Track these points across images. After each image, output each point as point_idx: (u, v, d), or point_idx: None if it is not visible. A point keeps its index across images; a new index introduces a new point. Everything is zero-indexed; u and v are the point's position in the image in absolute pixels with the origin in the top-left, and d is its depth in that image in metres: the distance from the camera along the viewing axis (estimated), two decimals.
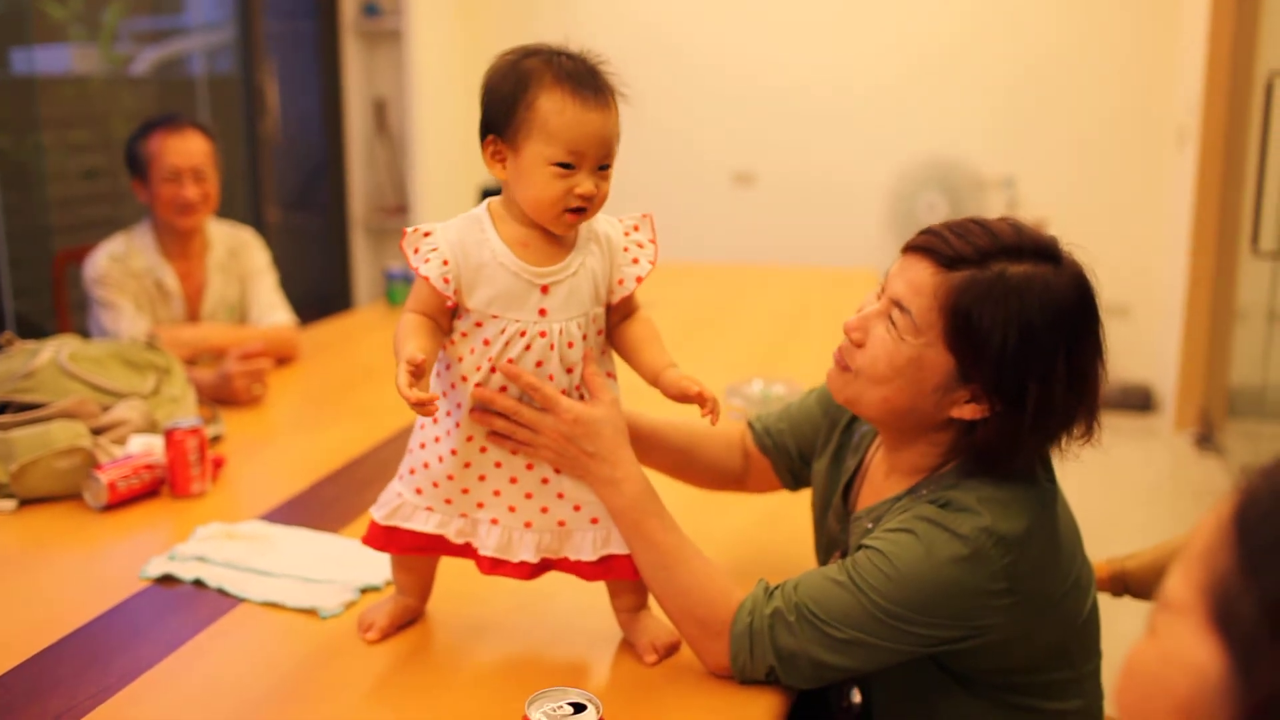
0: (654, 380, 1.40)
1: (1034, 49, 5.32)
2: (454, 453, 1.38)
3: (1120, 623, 2.88)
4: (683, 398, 1.37)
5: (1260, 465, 0.65)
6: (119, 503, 1.92)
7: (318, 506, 1.95)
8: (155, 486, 1.97)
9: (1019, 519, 1.26)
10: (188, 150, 2.75)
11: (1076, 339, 1.27)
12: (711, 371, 2.36)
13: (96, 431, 2.07)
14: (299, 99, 5.61)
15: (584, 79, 1.30)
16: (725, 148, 5.72)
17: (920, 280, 1.29)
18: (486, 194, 4.36)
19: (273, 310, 2.95)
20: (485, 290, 1.33)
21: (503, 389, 1.36)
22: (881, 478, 1.44)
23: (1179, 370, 4.92)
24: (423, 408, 1.26)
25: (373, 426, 2.36)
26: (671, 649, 1.42)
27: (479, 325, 1.35)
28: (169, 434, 1.95)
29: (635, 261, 1.41)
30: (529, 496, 1.39)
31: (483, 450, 1.39)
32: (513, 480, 1.39)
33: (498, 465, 1.39)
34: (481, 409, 1.36)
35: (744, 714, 1.30)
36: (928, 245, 1.30)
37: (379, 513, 1.43)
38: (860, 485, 1.50)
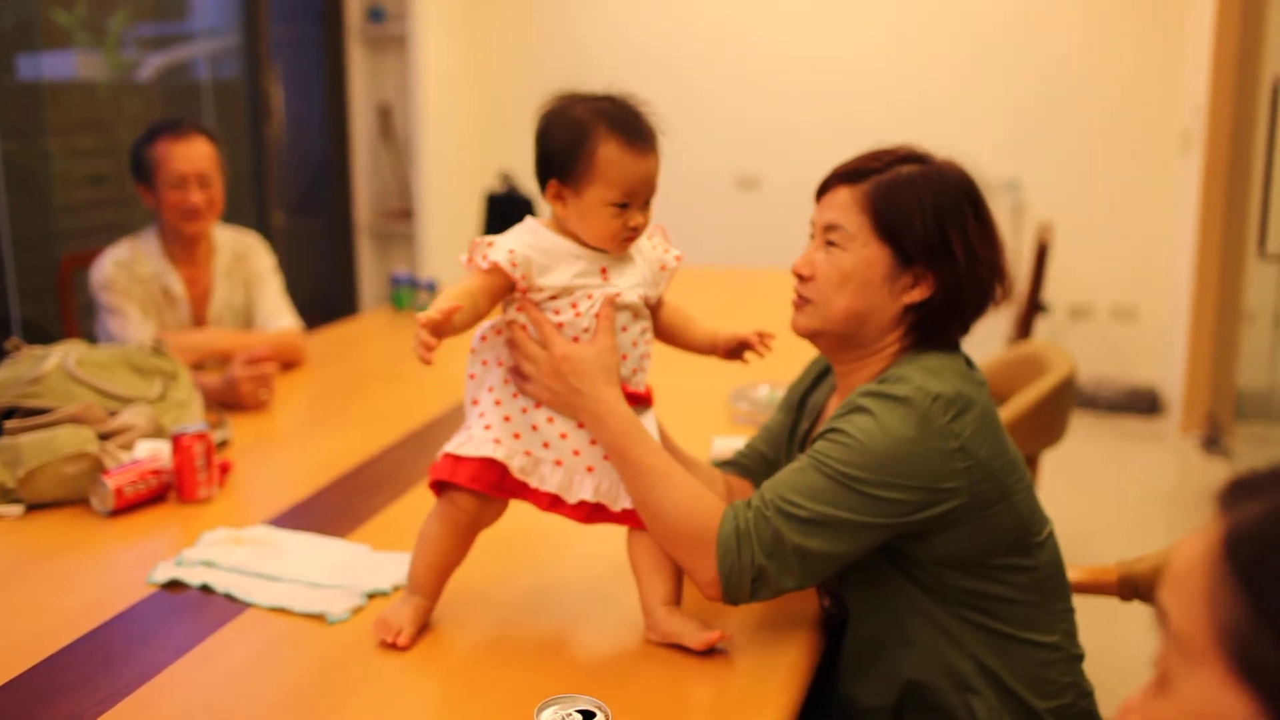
0: (712, 343, 1.66)
1: (1040, 53, 5.31)
2: (498, 403, 1.50)
3: (1129, 621, 2.88)
4: (742, 344, 1.66)
5: (1243, 485, 0.64)
6: (126, 508, 1.92)
7: (325, 511, 1.95)
8: (162, 492, 1.97)
9: (950, 382, 1.42)
10: (193, 155, 2.75)
11: (975, 201, 1.49)
12: (717, 376, 2.36)
13: (103, 437, 2.07)
14: (304, 104, 5.62)
15: (633, 129, 1.47)
16: (728, 152, 5.72)
17: (840, 200, 1.50)
18: (491, 199, 4.37)
19: (278, 315, 2.95)
20: (558, 272, 1.47)
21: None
22: (836, 402, 1.59)
23: (1186, 373, 4.91)
24: (425, 347, 1.36)
25: (379, 431, 2.36)
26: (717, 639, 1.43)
27: (553, 298, 1.48)
28: (176, 439, 1.95)
29: (666, 252, 1.59)
30: (592, 443, 1.48)
31: (523, 411, 1.49)
32: (579, 426, 1.48)
33: (549, 420, 1.48)
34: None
35: (755, 718, 1.30)
36: (834, 175, 1.52)
37: (449, 445, 1.48)
38: (817, 429, 1.60)
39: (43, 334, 3.68)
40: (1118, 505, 4.18)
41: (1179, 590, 0.65)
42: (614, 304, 1.48)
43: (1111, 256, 5.28)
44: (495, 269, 1.44)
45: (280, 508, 1.95)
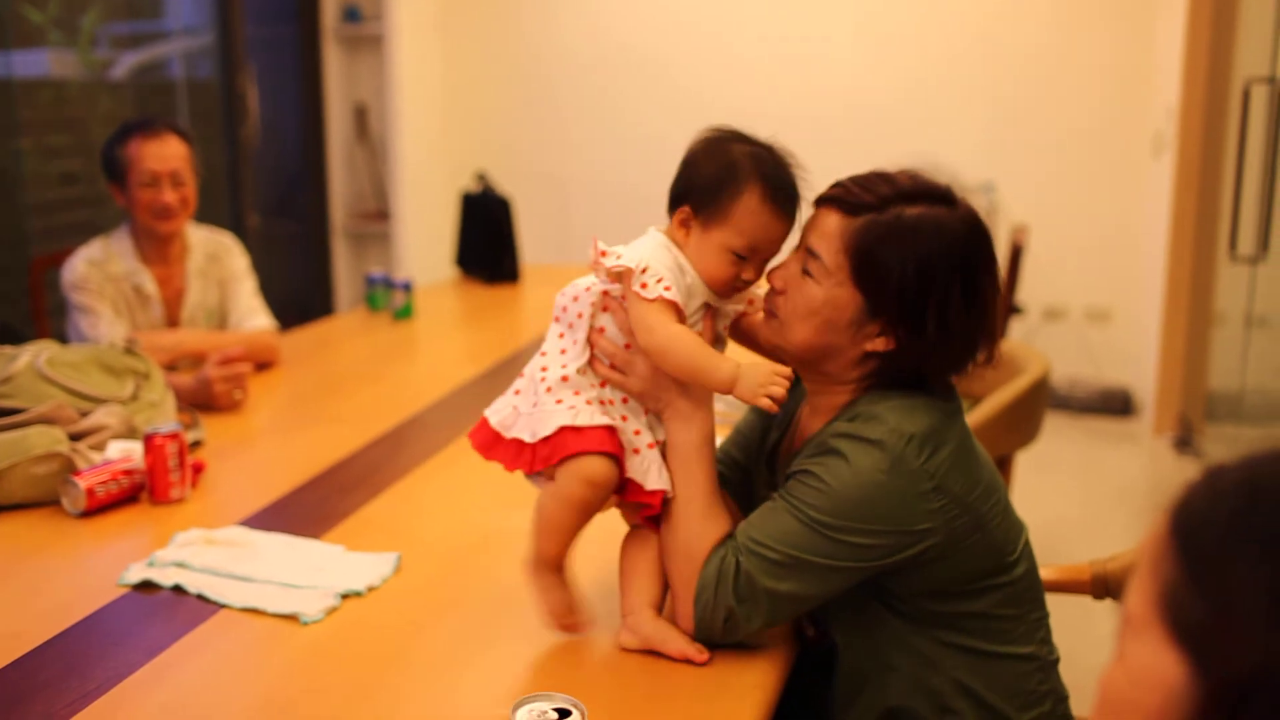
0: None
1: (1015, 58, 5.34)
2: (576, 393, 1.45)
3: (1100, 624, 2.89)
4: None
5: (1191, 480, 0.67)
6: (97, 509, 1.91)
7: (298, 512, 1.94)
8: (134, 492, 1.96)
9: (924, 418, 1.38)
10: (165, 154, 2.73)
11: (970, 270, 1.39)
12: None
13: (75, 437, 2.05)
14: (279, 104, 5.59)
15: (783, 188, 1.44)
16: None
17: (828, 227, 1.41)
18: (468, 200, 4.36)
19: (253, 315, 2.93)
20: (690, 303, 1.46)
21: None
22: (805, 420, 1.54)
23: (1158, 374, 4.95)
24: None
25: (354, 432, 2.35)
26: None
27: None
28: (148, 439, 1.94)
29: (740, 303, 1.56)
30: (650, 446, 1.46)
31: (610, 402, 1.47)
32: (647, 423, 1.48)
33: (624, 418, 1.46)
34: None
35: (731, 716, 1.30)
36: (834, 196, 1.43)
37: (564, 418, 1.42)
38: (788, 445, 1.58)
39: (14, 334, 3.64)
40: (1091, 505, 4.21)
41: (1134, 573, 0.68)
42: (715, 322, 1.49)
43: (1085, 258, 5.31)
44: (671, 305, 1.41)
45: (254, 508, 1.94)
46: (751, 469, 1.66)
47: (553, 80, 5.90)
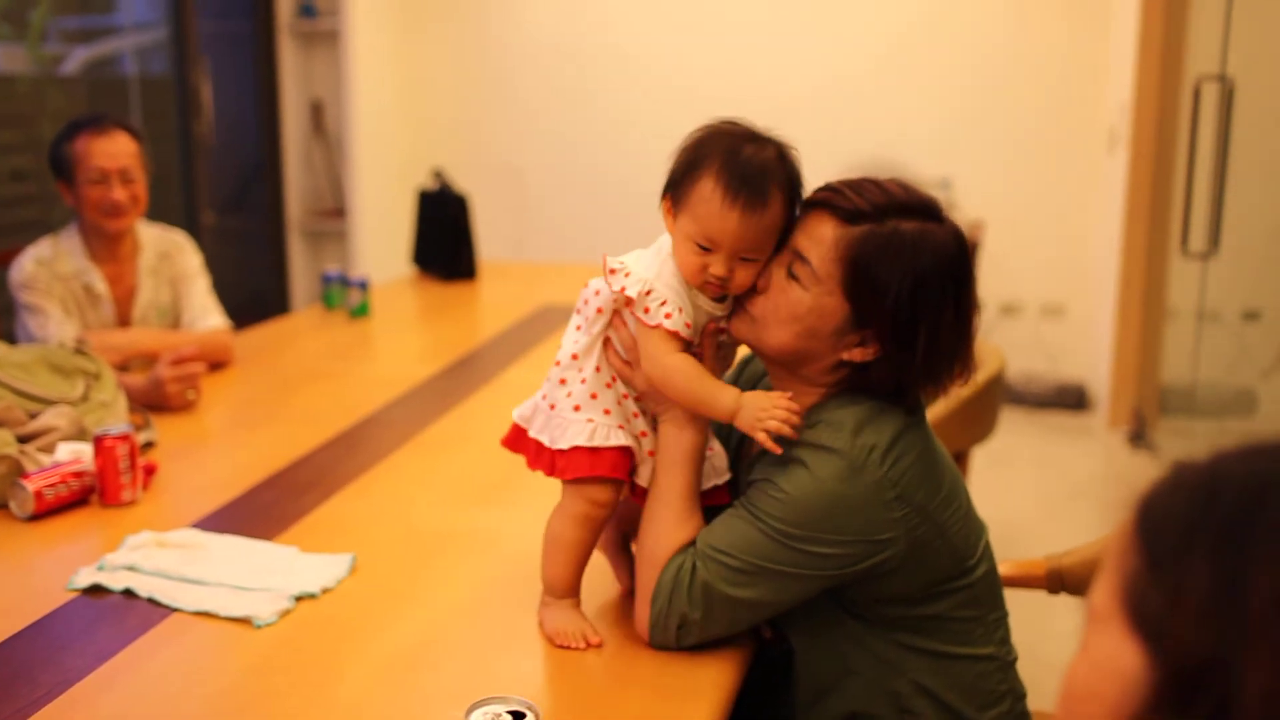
0: None
1: (970, 54, 5.37)
2: (594, 396, 1.45)
3: (1058, 620, 2.92)
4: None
5: (1159, 474, 0.69)
6: (46, 512, 1.88)
7: (252, 513, 1.92)
8: (84, 495, 1.93)
9: (887, 427, 1.37)
10: (114, 151, 2.69)
11: (960, 289, 1.38)
12: None
13: (23, 439, 2.02)
14: (234, 100, 5.53)
15: (746, 180, 1.36)
16: (667, 148, 5.70)
17: (821, 233, 1.38)
18: (424, 197, 4.33)
19: (206, 314, 2.90)
20: (696, 318, 1.44)
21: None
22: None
23: (1112, 369, 5.00)
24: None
25: (309, 431, 2.33)
26: None
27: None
28: (98, 441, 1.91)
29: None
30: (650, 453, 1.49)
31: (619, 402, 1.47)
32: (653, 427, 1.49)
33: (636, 415, 1.48)
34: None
35: (687, 718, 1.30)
36: (828, 200, 1.39)
37: (579, 438, 1.43)
38: (752, 444, 1.56)
39: None
40: (1046, 499, 4.24)
41: (1101, 566, 0.69)
42: (714, 335, 1.47)
43: (1040, 254, 5.36)
44: (672, 334, 1.40)
45: (206, 510, 1.91)
46: (718, 432, 1.63)
47: (510, 76, 5.88)
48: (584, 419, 1.44)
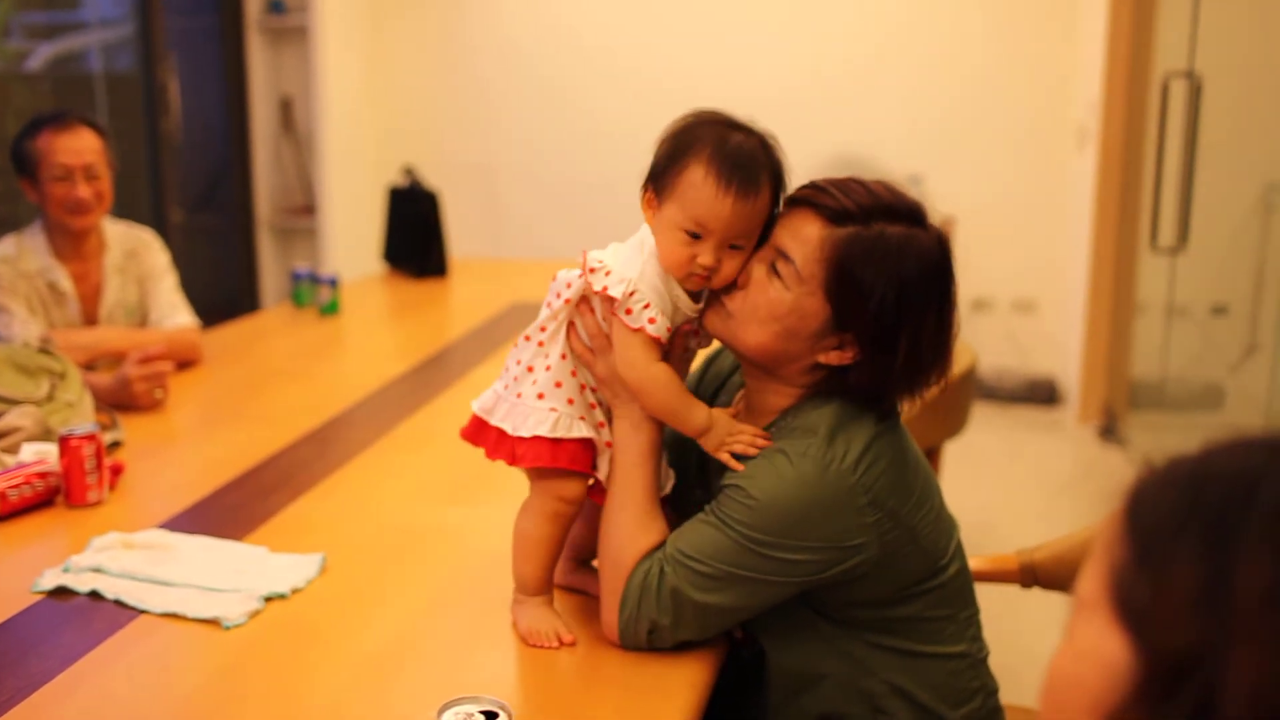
0: None
1: (940, 52, 5.38)
2: (558, 385, 1.43)
3: (1030, 614, 2.94)
4: None
5: (1147, 466, 0.69)
6: (11, 513, 1.85)
7: (220, 513, 1.90)
8: (49, 496, 1.90)
9: (860, 433, 1.36)
10: (78, 148, 2.66)
11: (943, 295, 1.37)
12: None
13: None
14: (202, 97, 5.48)
15: (739, 165, 1.34)
16: (637, 143, 5.68)
17: (806, 232, 1.35)
18: (395, 194, 4.30)
19: (174, 312, 2.87)
20: (675, 317, 1.43)
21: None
22: (741, 418, 1.49)
23: (1083, 364, 5.03)
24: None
25: (278, 430, 2.31)
26: None
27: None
28: (63, 441, 1.88)
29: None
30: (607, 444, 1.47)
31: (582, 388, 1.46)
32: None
33: (594, 406, 1.46)
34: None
35: (659, 718, 1.29)
36: (813, 199, 1.37)
37: (541, 428, 1.41)
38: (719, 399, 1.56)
39: None
40: (1018, 494, 4.26)
41: (1089, 557, 0.69)
42: (685, 338, 1.46)
43: (1011, 250, 5.38)
44: (655, 341, 1.38)
45: (174, 510, 1.89)
46: (686, 460, 1.61)
47: (480, 72, 5.85)
48: (547, 407, 1.42)
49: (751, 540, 1.33)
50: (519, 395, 1.44)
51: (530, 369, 1.44)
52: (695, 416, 1.39)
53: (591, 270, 1.39)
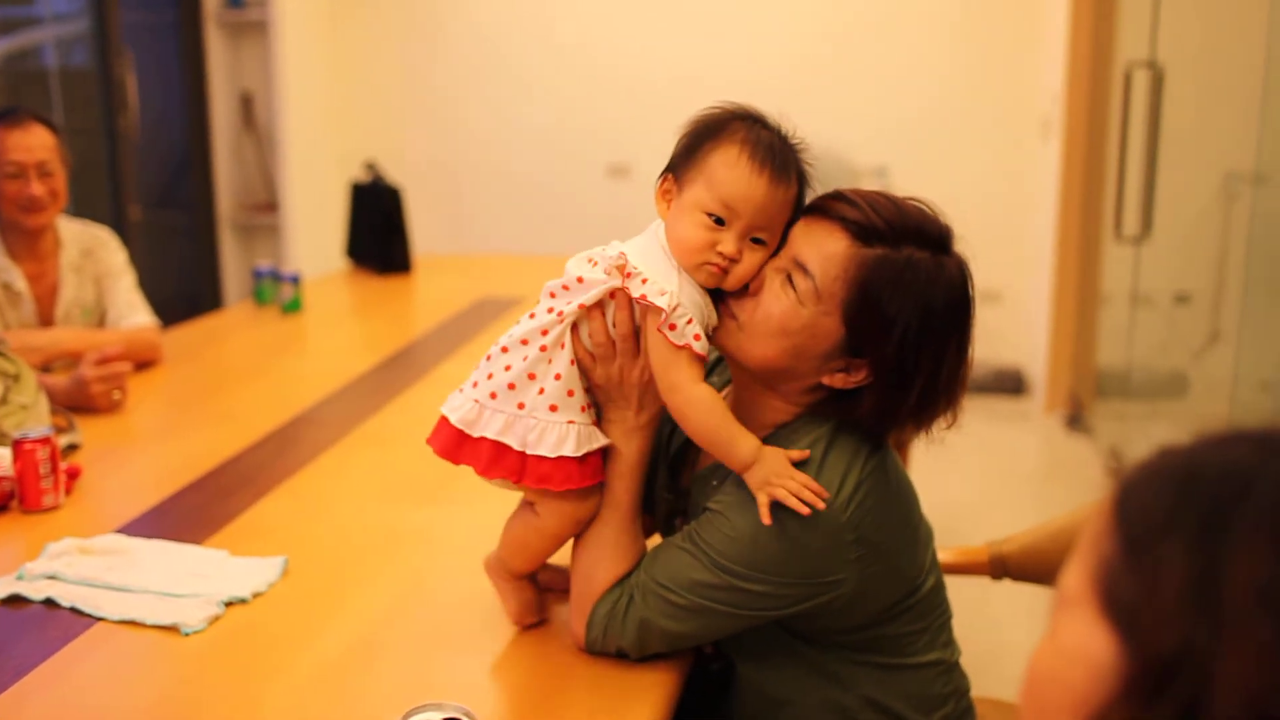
0: None
1: (905, 44, 5.39)
2: (570, 394, 1.34)
3: (1000, 606, 2.94)
4: None
5: (1142, 458, 0.67)
6: None
7: (180, 517, 1.86)
8: (3, 501, 1.86)
9: (854, 470, 1.29)
10: (31, 145, 2.61)
11: (964, 329, 1.30)
12: None
13: None
14: (160, 93, 5.41)
15: (772, 151, 1.29)
16: (601, 140, 5.69)
17: (830, 248, 1.28)
18: (357, 189, 4.26)
19: (132, 312, 2.82)
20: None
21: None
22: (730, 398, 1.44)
23: (1049, 353, 5.05)
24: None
25: (239, 431, 2.27)
26: None
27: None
28: (17, 445, 1.84)
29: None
30: None
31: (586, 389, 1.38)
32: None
33: (585, 406, 1.38)
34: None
35: None
36: (839, 212, 1.29)
37: (565, 446, 1.32)
38: (699, 449, 1.47)
39: None
40: (985, 484, 4.27)
41: (1076, 549, 0.67)
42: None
43: (976, 241, 5.30)
44: (700, 360, 1.31)
45: (132, 514, 1.86)
46: (656, 461, 1.55)
47: (442, 67, 5.81)
48: (564, 420, 1.33)
49: (728, 572, 1.28)
50: (521, 406, 1.33)
51: (532, 376, 1.33)
52: (741, 448, 1.28)
53: (629, 275, 1.30)
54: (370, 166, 4.28)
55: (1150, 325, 4.39)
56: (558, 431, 1.32)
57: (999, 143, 5.38)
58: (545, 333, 1.34)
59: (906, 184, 5.29)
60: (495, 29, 5.72)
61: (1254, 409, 3.12)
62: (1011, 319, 5.44)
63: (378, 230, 4.11)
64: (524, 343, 1.35)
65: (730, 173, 1.28)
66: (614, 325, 1.35)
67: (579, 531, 1.41)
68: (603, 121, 5.68)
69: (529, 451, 1.32)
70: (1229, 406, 3.36)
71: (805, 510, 1.24)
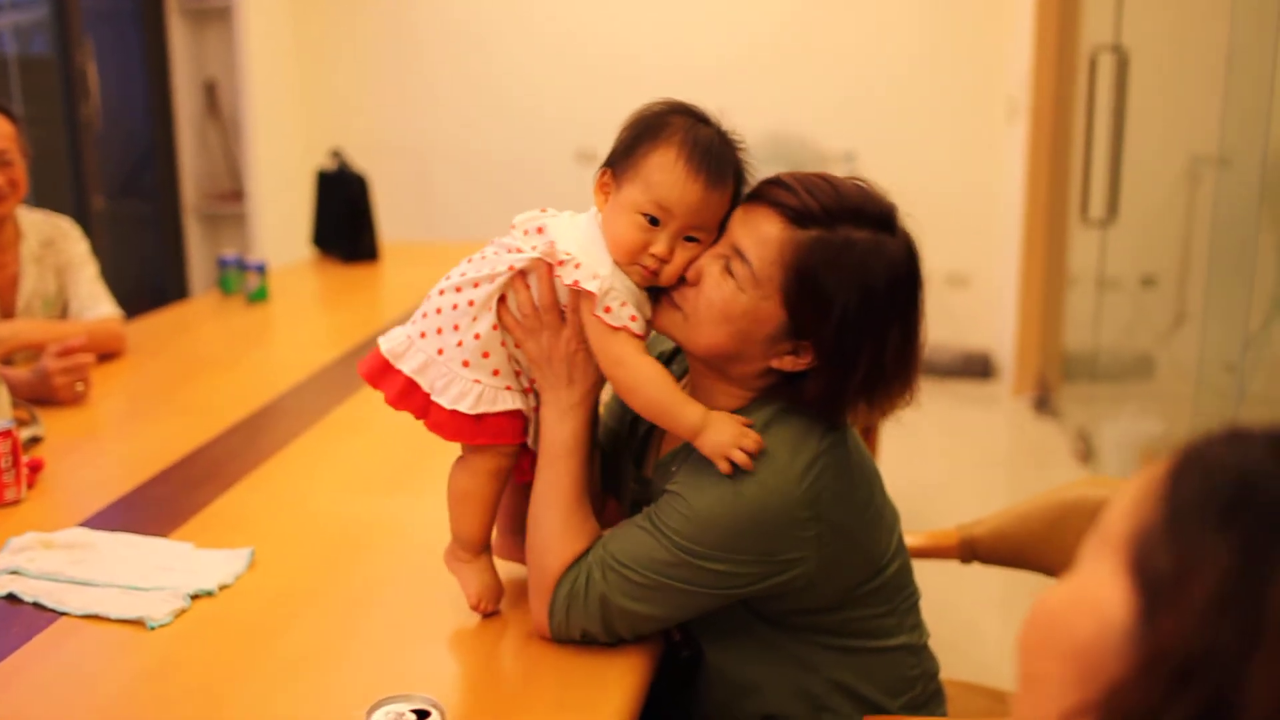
0: None
1: (870, 27, 5.40)
2: (485, 355, 1.36)
3: (969, 589, 2.95)
4: None
5: (1204, 434, 0.66)
6: None
7: (145, 509, 1.84)
8: None
9: (808, 444, 1.30)
10: None
11: (910, 307, 1.31)
12: None
13: None
14: (122, 81, 5.34)
15: (709, 154, 1.30)
16: (569, 125, 5.66)
17: (766, 233, 1.28)
18: (323, 177, 4.22)
19: (95, 302, 2.79)
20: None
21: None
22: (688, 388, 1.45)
23: (1016, 337, 5.07)
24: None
25: (204, 422, 2.25)
26: None
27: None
28: None
29: None
30: None
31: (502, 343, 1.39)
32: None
33: (517, 373, 1.41)
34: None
35: (595, 715, 1.27)
36: (775, 197, 1.30)
37: (462, 403, 1.34)
38: (660, 438, 1.50)
39: None
40: (954, 467, 4.30)
41: (1123, 495, 0.66)
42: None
43: (944, 225, 5.41)
44: (638, 339, 1.33)
45: (96, 507, 1.83)
46: (622, 433, 1.57)
47: (407, 53, 5.77)
48: (470, 378, 1.35)
49: (686, 551, 1.28)
50: (440, 351, 1.36)
51: (456, 327, 1.36)
52: (688, 415, 1.30)
53: (560, 263, 1.32)
54: (336, 154, 4.25)
55: (1117, 308, 4.42)
56: (460, 386, 1.35)
57: (966, 127, 5.40)
58: (476, 285, 1.36)
59: (874, 169, 5.32)
60: (462, 14, 5.68)
61: (1219, 391, 3.15)
62: (979, 303, 5.47)
63: (344, 218, 4.09)
64: (458, 290, 1.38)
65: (666, 176, 1.29)
66: (538, 299, 1.36)
67: (504, 466, 1.41)
68: (571, 107, 5.66)
69: (433, 397, 1.36)
70: (1194, 388, 3.39)
71: (750, 464, 1.26)
